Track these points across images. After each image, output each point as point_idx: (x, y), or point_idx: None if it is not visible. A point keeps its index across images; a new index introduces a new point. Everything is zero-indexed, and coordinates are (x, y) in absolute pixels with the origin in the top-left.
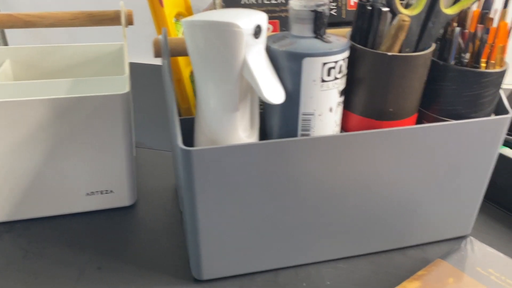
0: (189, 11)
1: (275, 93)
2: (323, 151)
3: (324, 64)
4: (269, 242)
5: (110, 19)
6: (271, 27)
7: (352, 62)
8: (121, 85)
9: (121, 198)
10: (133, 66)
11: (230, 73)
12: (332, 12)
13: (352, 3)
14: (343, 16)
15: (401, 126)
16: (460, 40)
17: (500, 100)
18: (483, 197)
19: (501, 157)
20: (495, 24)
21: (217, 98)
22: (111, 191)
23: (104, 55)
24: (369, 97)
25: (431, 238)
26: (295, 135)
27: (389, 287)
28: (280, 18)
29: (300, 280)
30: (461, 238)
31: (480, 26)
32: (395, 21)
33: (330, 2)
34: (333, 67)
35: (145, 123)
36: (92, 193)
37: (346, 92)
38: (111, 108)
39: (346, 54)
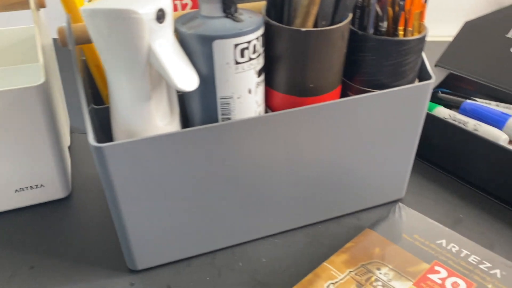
0: None
1: (186, 80)
2: (245, 133)
3: (236, 45)
4: (201, 227)
5: (18, 2)
6: (190, 3)
7: (268, 39)
8: (38, 74)
9: (53, 191)
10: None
11: (136, 61)
12: None
13: None
14: None
15: (324, 101)
16: (378, 8)
17: (423, 65)
18: (413, 161)
19: (435, 118)
20: None
21: (127, 87)
22: (42, 185)
23: (20, 41)
24: (288, 75)
25: (365, 205)
26: (216, 119)
27: (323, 257)
28: None
29: (237, 260)
30: (396, 201)
31: None
32: (302, 3)
33: None
34: (246, 48)
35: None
36: (22, 189)
37: (267, 70)
38: (28, 101)
39: (259, 32)
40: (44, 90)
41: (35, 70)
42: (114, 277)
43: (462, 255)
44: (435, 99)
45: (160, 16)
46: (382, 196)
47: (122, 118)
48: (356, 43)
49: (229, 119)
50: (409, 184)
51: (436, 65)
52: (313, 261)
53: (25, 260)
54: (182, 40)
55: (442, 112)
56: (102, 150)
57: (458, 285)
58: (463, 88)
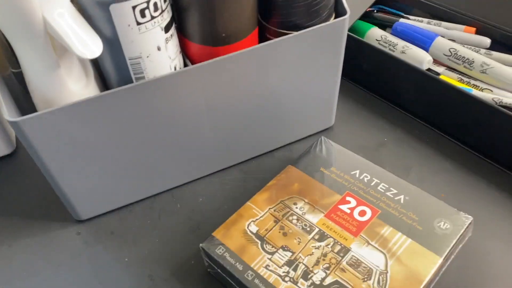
0: None
1: (89, 47)
2: (160, 91)
3: (134, 7)
4: (137, 175)
5: None
6: None
7: None
8: None
9: None
10: None
11: (34, 32)
12: None
13: None
14: None
15: (240, 48)
16: None
17: (338, 2)
18: (338, 93)
19: (362, 43)
20: None
21: (33, 57)
22: None
23: None
24: (199, 25)
25: (297, 136)
26: (129, 78)
27: (256, 192)
28: None
29: (175, 201)
30: (326, 130)
31: None
32: None
33: None
34: (146, 8)
35: None
36: None
37: (180, 20)
38: None
39: None
40: None
41: None
42: (62, 228)
43: (372, 184)
44: (371, 19)
45: None
46: (312, 127)
47: (35, 86)
48: None
49: (143, 77)
50: (339, 109)
51: None
52: (246, 197)
53: None
54: (81, 6)
55: (375, 33)
56: (18, 124)
57: (365, 213)
58: (401, 4)
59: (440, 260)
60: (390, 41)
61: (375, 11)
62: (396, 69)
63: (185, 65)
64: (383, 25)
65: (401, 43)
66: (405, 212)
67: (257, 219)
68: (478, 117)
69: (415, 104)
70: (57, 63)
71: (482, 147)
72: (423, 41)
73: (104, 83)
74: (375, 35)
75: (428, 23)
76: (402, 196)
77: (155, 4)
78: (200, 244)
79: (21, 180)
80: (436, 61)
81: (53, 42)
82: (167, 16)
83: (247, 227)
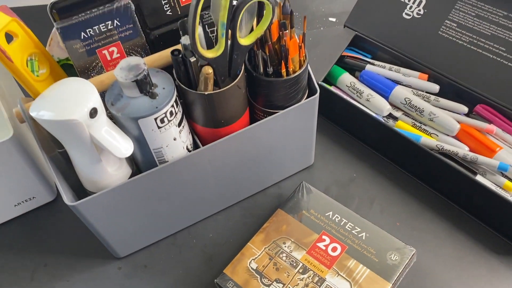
0: (40, 48)
1: (124, 148)
2: (178, 167)
3: (156, 118)
4: (162, 220)
5: None
6: (115, 49)
7: (182, 95)
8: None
9: (42, 199)
10: None
11: (83, 144)
12: (168, 12)
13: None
14: (179, 13)
15: (235, 128)
16: (266, 56)
17: (311, 81)
18: (315, 142)
19: (332, 94)
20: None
21: (81, 156)
22: (34, 197)
23: None
24: (203, 117)
25: (284, 175)
26: (154, 162)
27: (255, 228)
28: (120, 39)
29: (192, 237)
30: (308, 168)
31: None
32: (201, 75)
33: (164, 3)
34: (164, 116)
35: None
36: (19, 203)
37: (188, 110)
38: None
39: (172, 101)
40: (17, 142)
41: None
42: (106, 265)
43: (342, 223)
44: (343, 64)
45: (93, 113)
46: (296, 167)
47: (81, 171)
48: (252, 81)
49: (164, 161)
50: (318, 146)
51: (344, 26)
52: (246, 231)
53: (41, 259)
54: (115, 118)
55: (346, 79)
56: (76, 207)
57: (336, 249)
58: (369, 47)
59: (390, 286)
60: (358, 88)
61: (346, 57)
62: (360, 115)
63: (194, 141)
64: (352, 69)
65: (366, 91)
66: (365, 247)
67: (256, 257)
68: (424, 159)
69: (378, 143)
70: (99, 158)
71: (427, 179)
72: (384, 90)
73: (133, 161)
74: (345, 81)
75: (390, 69)
76: (364, 234)
77: (171, 112)
78: (215, 280)
79: (64, 224)
80: (395, 107)
81: (96, 145)
82: (179, 115)
83: (249, 265)
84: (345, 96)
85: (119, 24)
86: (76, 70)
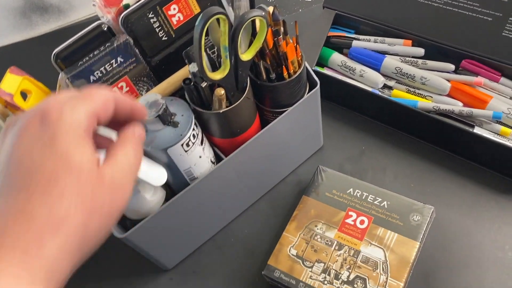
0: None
1: (159, 177)
2: (207, 180)
3: (182, 144)
4: (201, 225)
5: None
6: (124, 83)
7: (200, 117)
8: None
9: None
10: None
11: None
12: (163, 38)
13: (175, 22)
14: (173, 36)
15: (249, 134)
16: (267, 65)
17: (309, 74)
18: (321, 126)
19: (329, 77)
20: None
21: None
22: None
23: None
24: (220, 131)
25: (299, 162)
26: (185, 181)
27: (283, 216)
28: (126, 73)
29: (229, 236)
30: (319, 150)
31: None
32: (214, 97)
33: (158, 29)
34: (189, 140)
35: None
36: None
37: (205, 126)
38: None
39: (193, 124)
40: None
41: None
42: (158, 278)
43: (363, 197)
44: (330, 44)
45: None
46: (308, 152)
47: None
48: (258, 88)
49: (194, 178)
50: (324, 129)
51: (324, 7)
52: (276, 219)
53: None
54: (149, 152)
55: (336, 59)
56: (126, 238)
57: (364, 221)
58: (351, 23)
59: (418, 244)
60: (349, 66)
61: (332, 37)
62: (358, 92)
63: (215, 152)
64: (340, 48)
65: (358, 67)
66: (389, 214)
67: (294, 244)
68: (424, 122)
69: (379, 115)
70: (138, 189)
71: (431, 139)
72: (374, 64)
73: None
74: (336, 60)
75: (375, 41)
76: (385, 202)
77: (193, 135)
78: (262, 272)
79: (109, 241)
80: (387, 76)
81: None
82: (200, 135)
83: (289, 252)
84: (339, 76)
85: (122, 60)
86: None
